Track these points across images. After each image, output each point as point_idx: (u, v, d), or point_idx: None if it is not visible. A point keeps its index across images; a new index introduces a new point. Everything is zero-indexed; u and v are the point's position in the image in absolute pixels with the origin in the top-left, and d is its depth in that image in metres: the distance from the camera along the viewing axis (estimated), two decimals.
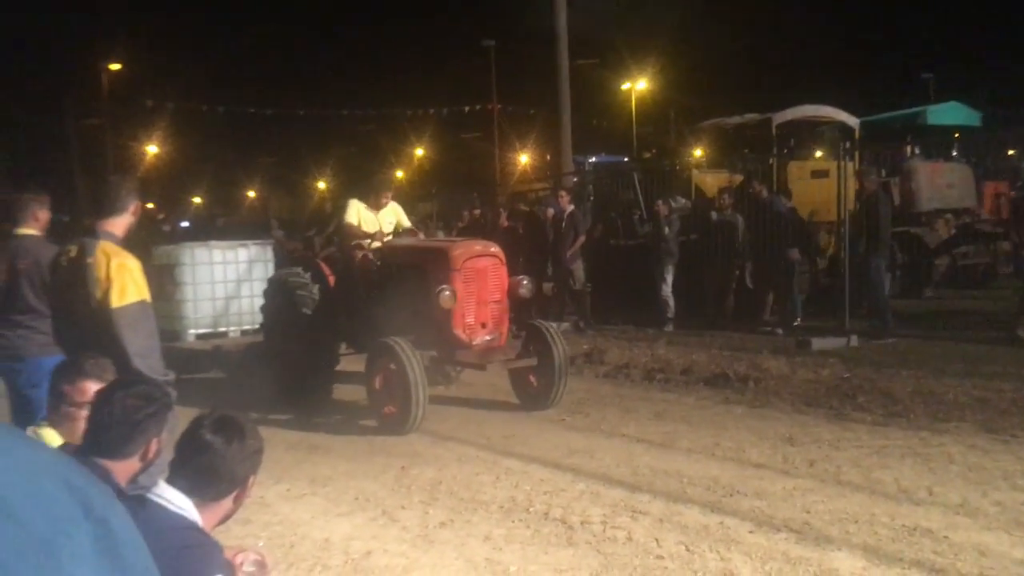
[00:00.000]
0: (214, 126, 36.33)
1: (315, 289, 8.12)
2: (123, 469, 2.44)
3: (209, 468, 2.14)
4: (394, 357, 6.79)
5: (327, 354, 8.12)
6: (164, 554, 2.00)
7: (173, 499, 2.11)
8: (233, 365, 10.40)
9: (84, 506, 0.59)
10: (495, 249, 7.61)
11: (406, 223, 8.33)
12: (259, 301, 9.13)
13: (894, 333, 10.22)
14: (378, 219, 8.04)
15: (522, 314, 8.14)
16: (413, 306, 7.19)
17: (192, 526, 2.10)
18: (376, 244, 7.89)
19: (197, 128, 38.04)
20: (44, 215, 4.98)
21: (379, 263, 7.79)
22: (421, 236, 8.91)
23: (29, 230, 4.88)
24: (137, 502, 2.13)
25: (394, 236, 8.11)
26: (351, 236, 7.99)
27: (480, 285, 7.33)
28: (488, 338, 7.36)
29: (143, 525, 2.00)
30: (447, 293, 6.97)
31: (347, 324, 7.92)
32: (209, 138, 41.84)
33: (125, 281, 3.59)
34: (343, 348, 8.35)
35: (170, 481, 2.14)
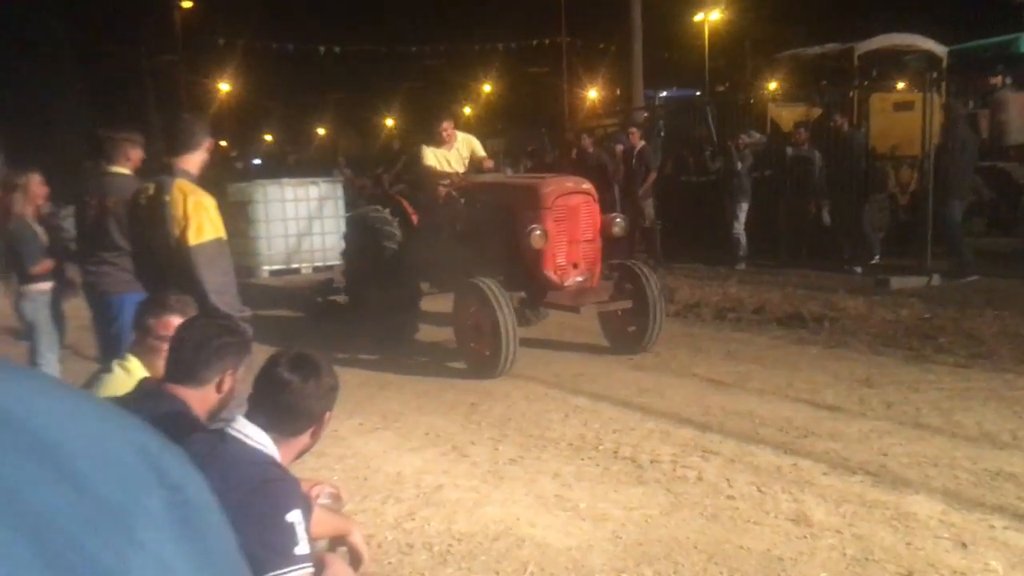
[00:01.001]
0: (283, 63, 36.46)
1: (397, 226, 8.07)
2: (199, 399, 2.49)
3: (286, 405, 2.16)
4: (483, 299, 6.64)
5: (411, 292, 8.06)
6: (244, 487, 2.05)
7: (252, 434, 2.14)
8: (306, 301, 10.59)
9: (158, 472, 0.57)
10: (587, 186, 7.23)
11: (481, 153, 8.15)
12: (331, 238, 9.22)
13: (977, 271, 9.85)
14: (453, 155, 7.93)
15: (611, 254, 7.87)
16: (501, 246, 7.02)
17: (271, 461, 2.14)
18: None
19: (267, 65, 38.26)
20: (136, 154, 5.05)
21: (463, 200, 7.62)
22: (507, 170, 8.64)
23: (121, 168, 4.96)
24: (217, 436, 2.17)
25: (474, 170, 7.99)
26: (434, 178, 7.83)
27: (572, 224, 7.01)
28: (580, 279, 7.09)
29: (223, 459, 2.07)
30: (538, 232, 6.72)
31: (431, 262, 7.83)
32: (279, 75, 42.07)
33: (202, 219, 3.65)
34: (424, 287, 8.28)
35: (248, 417, 2.18)
